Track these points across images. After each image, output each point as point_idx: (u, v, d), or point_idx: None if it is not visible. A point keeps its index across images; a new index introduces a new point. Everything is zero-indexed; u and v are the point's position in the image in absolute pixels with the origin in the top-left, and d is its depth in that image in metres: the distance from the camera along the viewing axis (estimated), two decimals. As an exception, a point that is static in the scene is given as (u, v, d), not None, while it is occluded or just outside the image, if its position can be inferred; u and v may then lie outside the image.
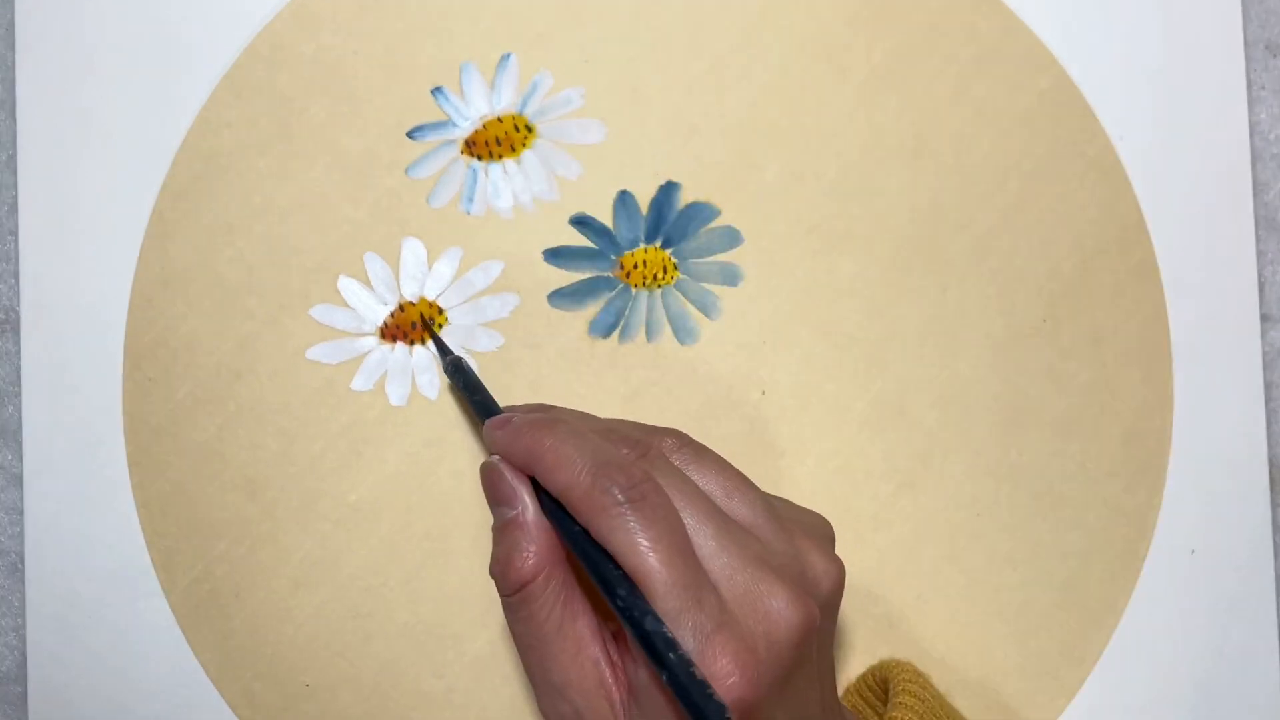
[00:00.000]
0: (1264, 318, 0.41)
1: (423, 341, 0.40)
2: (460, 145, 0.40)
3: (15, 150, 0.40)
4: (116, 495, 0.39)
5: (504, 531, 0.32)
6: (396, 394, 0.39)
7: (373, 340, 0.40)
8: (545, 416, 0.33)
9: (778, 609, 0.29)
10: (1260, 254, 0.41)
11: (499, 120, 0.40)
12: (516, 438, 0.32)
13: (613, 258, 0.40)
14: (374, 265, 0.40)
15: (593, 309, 0.40)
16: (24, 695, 0.39)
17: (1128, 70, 0.41)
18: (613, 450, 0.31)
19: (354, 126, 0.40)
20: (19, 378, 0.40)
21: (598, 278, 0.40)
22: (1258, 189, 0.41)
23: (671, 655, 0.28)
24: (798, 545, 0.32)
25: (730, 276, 0.40)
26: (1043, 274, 0.41)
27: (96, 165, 0.40)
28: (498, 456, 0.33)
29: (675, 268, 0.40)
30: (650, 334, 0.40)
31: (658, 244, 0.40)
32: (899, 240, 0.40)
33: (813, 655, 0.31)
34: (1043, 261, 0.41)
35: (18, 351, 0.40)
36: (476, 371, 0.39)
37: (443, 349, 0.39)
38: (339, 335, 0.39)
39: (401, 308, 0.40)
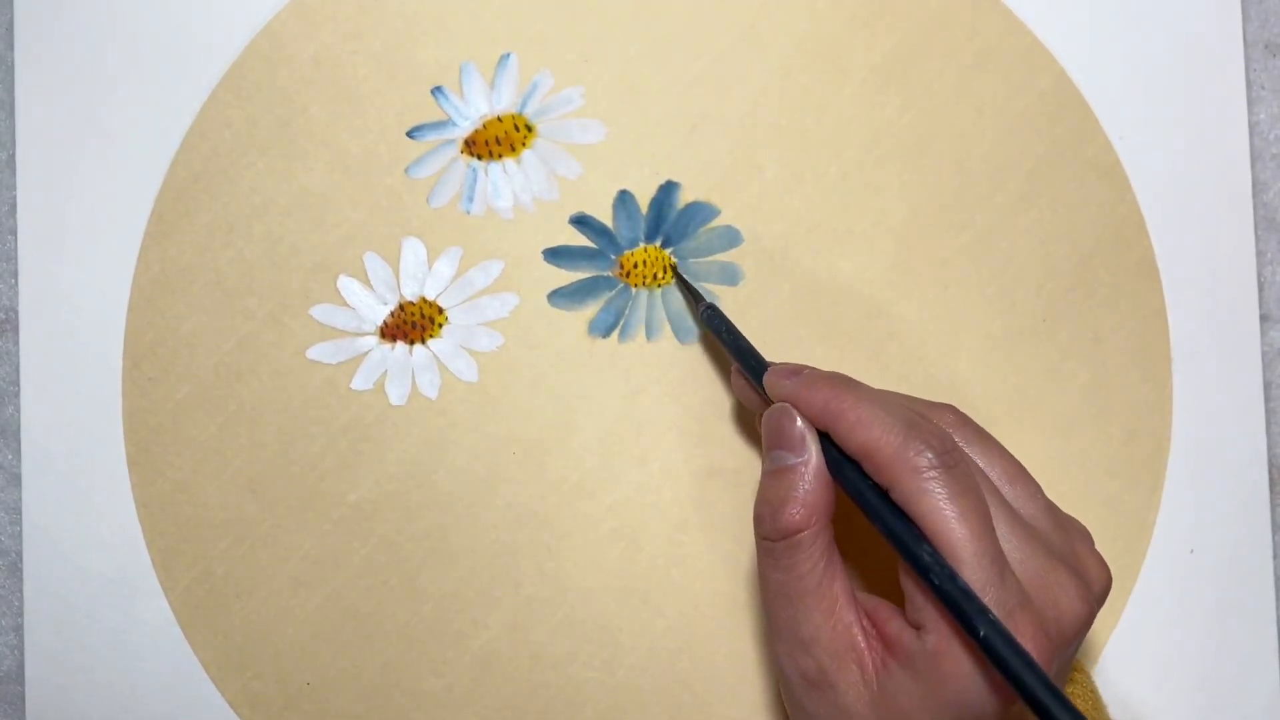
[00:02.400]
0: (1263, 318, 0.41)
1: (423, 341, 0.40)
2: (460, 145, 0.40)
3: (14, 150, 0.40)
4: (116, 495, 0.39)
5: (781, 476, 0.32)
6: (396, 393, 0.39)
7: (373, 340, 0.40)
8: (839, 374, 0.33)
9: (1067, 601, 0.30)
10: (1260, 254, 0.41)
11: (499, 120, 0.40)
12: (814, 388, 0.32)
13: (612, 257, 0.40)
14: (374, 265, 0.40)
15: (592, 308, 0.40)
16: (22, 695, 0.39)
17: (1128, 70, 0.41)
18: (917, 416, 0.31)
19: (354, 126, 0.40)
20: (18, 377, 0.40)
21: (597, 277, 0.40)
22: (1257, 189, 0.41)
23: (987, 617, 0.28)
24: (1074, 543, 0.32)
25: (730, 276, 0.40)
26: (1042, 274, 0.41)
27: (96, 165, 0.40)
28: (787, 403, 0.32)
29: (675, 267, 0.40)
30: (650, 333, 0.40)
31: (658, 243, 0.40)
32: (899, 240, 0.40)
33: (1074, 655, 0.31)
34: (1042, 261, 0.41)
35: (17, 351, 0.40)
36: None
37: (695, 295, 0.38)
38: (339, 335, 0.39)
39: (402, 307, 0.40)
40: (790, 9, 0.40)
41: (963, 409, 0.38)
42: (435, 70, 0.40)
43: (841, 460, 0.31)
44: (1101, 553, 0.33)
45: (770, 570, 0.32)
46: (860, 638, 0.31)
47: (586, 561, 0.39)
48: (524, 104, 0.40)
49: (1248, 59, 0.41)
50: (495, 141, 0.40)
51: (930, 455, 0.30)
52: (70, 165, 0.40)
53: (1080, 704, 0.33)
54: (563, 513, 0.39)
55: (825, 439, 0.32)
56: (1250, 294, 0.41)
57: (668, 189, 0.40)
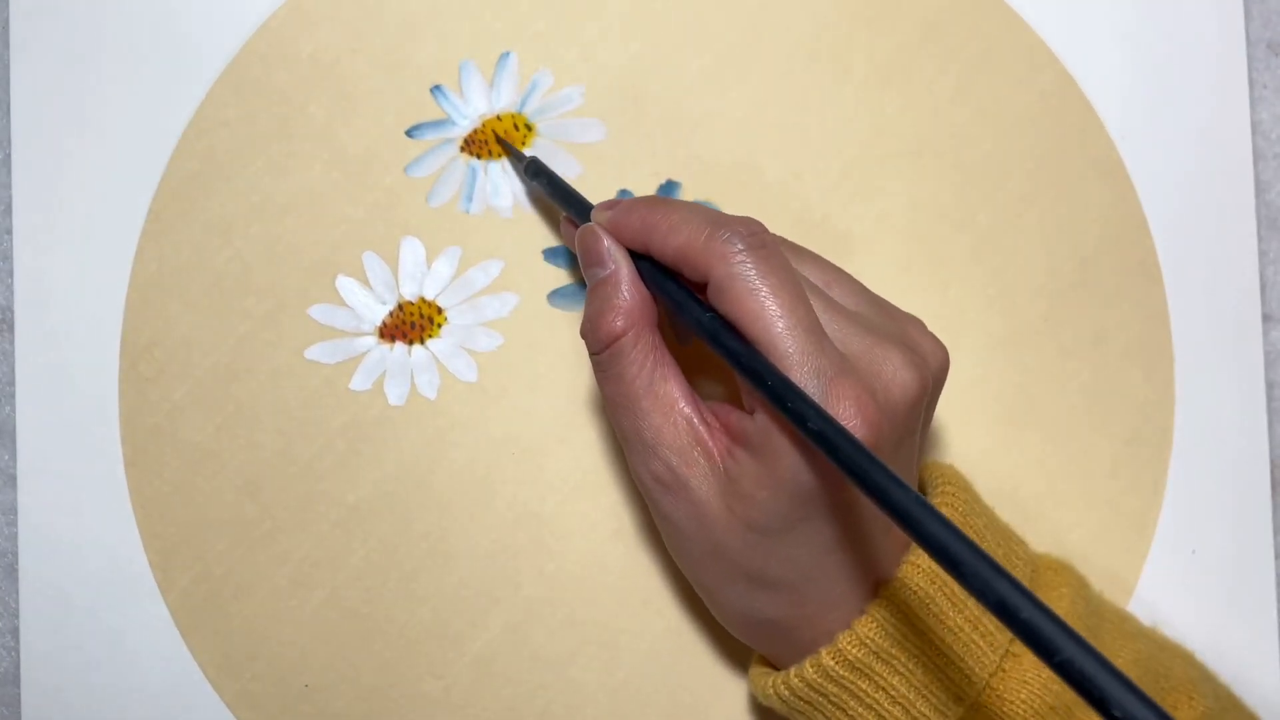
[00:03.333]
0: (1266, 317, 0.41)
1: (422, 341, 0.39)
2: (459, 144, 0.40)
3: (10, 149, 0.40)
4: (113, 495, 0.39)
5: (595, 291, 0.32)
6: (395, 393, 0.39)
7: (371, 340, 0.39)
8: (652, 196, 0.34)
9: (892, 370, 0.30)
10: (1262, 254, 0.41)
11: (499, 119, 0.40)
12: (630, 210, 0.33)
13: (612, 257, 0.40)
14: (373, 264, 0.39)
15: (592, 308, 0.40)
16: (19, 698, 0.39)
17: (1130, 69, 0.41)
18: (726, 215, 0.32)
19: (353, 125, 0.39)
20: (14, 377, 0.40)
21: (597, 277, 0.40)
22: (1259, 189, 0.41)
23: (793, 388, 0.28)
24: (903, 326, 0.33)
25: (730, 276, 0.40)
26: (1043, 273, 0.40)
27: (93, 164, 0.40)
28: (593, 225, 0.33)
29: (501, 141, 0.40)
30: (650, 333, 0.40)
31: (657, 243, 0.40)
32: (900, 240, 0.40)
33: (917, 429, 0.31)
34: (1043, 261, 0.40)
35: (13, 351, 0.40)
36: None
37: (517, 154, 0.39)
38: (337, 335, 0.39)
39: (400, 307, 0.39)
40: (790, 9, 0.40)
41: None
42: (434, 69, 0.40)
43: (661, 277, 0.32)
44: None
45: (604, 384, 0.32)
46: (703, 430, 0.31)
47: (586, 562, 0.39)
48: (524, 103, 0.40)
49: (1250, 59, 0.41)
50: (495, 140, 0.40)
51: (739, 242, 0.30)
52: (66, 164, 0.40)
53: (949, 511, 0.33)
54: (563, 513, 0.39)
55: (645, 260, 0.33)
56: (1252, 294, 0.41)
57: (667, 188, 0.40)
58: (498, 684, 0.39)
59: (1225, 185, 0.41)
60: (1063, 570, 0.35)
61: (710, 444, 0.31)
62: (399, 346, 0.39)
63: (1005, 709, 0.31)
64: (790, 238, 0.40)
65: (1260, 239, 0.41)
